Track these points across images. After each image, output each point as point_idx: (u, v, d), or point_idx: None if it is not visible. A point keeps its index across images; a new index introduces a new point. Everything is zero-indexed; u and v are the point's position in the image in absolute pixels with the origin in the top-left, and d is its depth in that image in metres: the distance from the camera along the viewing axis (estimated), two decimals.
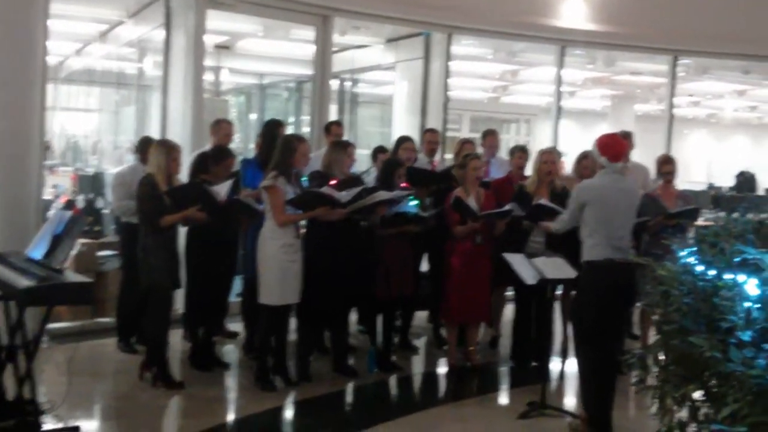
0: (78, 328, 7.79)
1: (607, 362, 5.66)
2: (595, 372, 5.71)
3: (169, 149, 6.41)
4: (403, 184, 7.03)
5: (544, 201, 6.94)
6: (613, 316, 5.71)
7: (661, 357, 3.97)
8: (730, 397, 2.96)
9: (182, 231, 6.81)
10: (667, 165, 7.91)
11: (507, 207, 6.97)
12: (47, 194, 9.27)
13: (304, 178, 6.92)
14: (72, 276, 5.11)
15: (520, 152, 8.01)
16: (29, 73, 7.18)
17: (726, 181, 20.62)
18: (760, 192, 18.22)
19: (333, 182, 6.58)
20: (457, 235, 7.07)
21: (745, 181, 18.76)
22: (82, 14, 11.72)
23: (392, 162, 7.26)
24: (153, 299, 6.36)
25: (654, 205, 7.50)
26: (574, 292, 6.58)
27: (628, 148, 8.74)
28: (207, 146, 7.56)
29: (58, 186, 11.21)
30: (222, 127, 7.58)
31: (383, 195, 6.62)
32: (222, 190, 6.39)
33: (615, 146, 5.79)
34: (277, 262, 6.30)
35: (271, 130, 7.32)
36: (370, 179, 7.46)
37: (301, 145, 6.51)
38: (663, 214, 7.42)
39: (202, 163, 6.83)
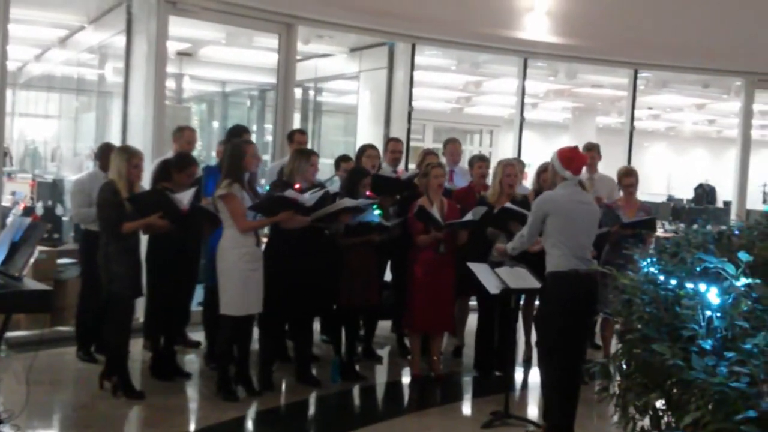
0: (37, 336, 7.66)
1: (571, 372, 5.70)
2: (558, 382, 5.73)
3: (130, 155, 6.34)
4: (368, 193, 7.03)
5: (509, 204, 6.96)
6: (578, 326, 5.75)
7: (624, 366, 4.00)
8: (692, 404, 2.98)
9: (144, 239, 6.73)
10: (628, 177, 7.99)
11: (469, 217, 6.99)
12: (5, 201, 9.13)
13: (266, 188, 6.87)
14: (31, 284, 5.05)
15: (480, 161, 8.04)
16: None
17: (685, 193, 20.93)
18: (719, 204, 18.50)
19: (297, 186, 6.55)
20: (419, 244, 7.08)
21: (705, 193, 19.07)
22: (41, 19, 11.57)
23: (357, 171, 7.25)
24: (114, 307, 6.28)
25: (610, 216, 7.60)
26: (537, 303, 6.61)
27: (590, 161, 8.85)
28: (169, 153, 7.51)
29: (16, 193, 11.06)
30: (184, 135, 7.53)
31: (348, 202, 6.61)
32: (185, 198, 6.33)
33: (577, 159, 5.82)
34: (238, 272, 6.24)
35: (235, 136, 7.26)
36: (334, 188, 7.45)
37: (248, 147, 6.46)
38: (618, 224, 7.50)
39: (164, 171, 6.76)
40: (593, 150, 8.87)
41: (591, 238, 5.85)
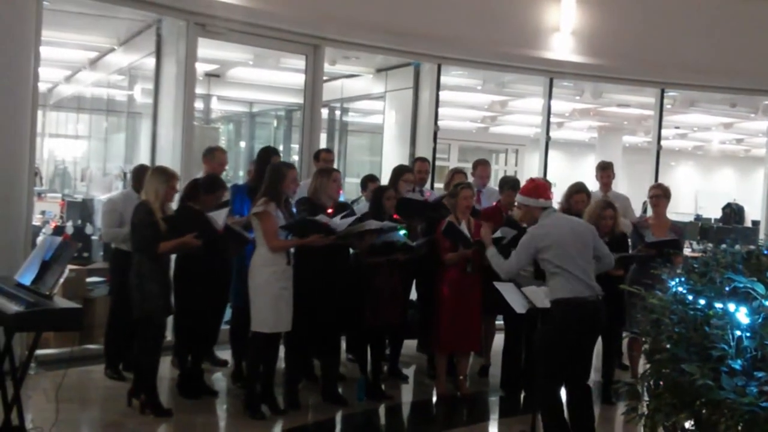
0: (66, 354, 7.72)
1: (580, 395, 5.67)
2: (559, 409, 5.69)
3: (168, 177, 6.41)
4: (394, 216, 7.03)
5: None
6: (582, 352, 5.72)
7: (652, 386, 3.98)
8: (722, 424, 2.97)
9: (172, 257, 6.77)
10: (652, 189, 7.98)
11: (498, 235, 6.97)
12: (35, 220, 9.24)
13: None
14: (60, 302, 5.09)
15: (510, 190, 7.75)
16: (20, 99, 7.18)
17: (713, 212, 20.75)
18: (748, 224, 18.31)
19: (329, 211, 6.58)
20: (447, 262, 7.07)
21: (733, 213, 18.88)
22: (72, 41, 11.74)
23: (380, 189, 7.27)
24: (146, 326, 6.31)
25: (636, 236, 7.57)
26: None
27: (605, 179, 8.79)
28: (200, 174, 7.56)
29: (46, 212, 11.18)
30: (216, 156, 7.56)
31: (373, 224, 6.62)
32: (220, 217, 6.38)
33: (540, 186, 5.90)
34: (270, 290, 6.28)
35: (266, 157, 7.30)
36: (361, 207, 7.47)
37: (290, 171, 6.53)
38: (643, 244, 7.45)
39: (192, 190, 6.80)
40: (608, 169, 8.87)
41: (589, 258, 5.79)
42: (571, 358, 5.63)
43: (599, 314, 5.67)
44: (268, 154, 7.42)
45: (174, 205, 6.80)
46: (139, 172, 7.21)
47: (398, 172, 7.88)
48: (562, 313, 5.62)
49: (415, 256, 7.08)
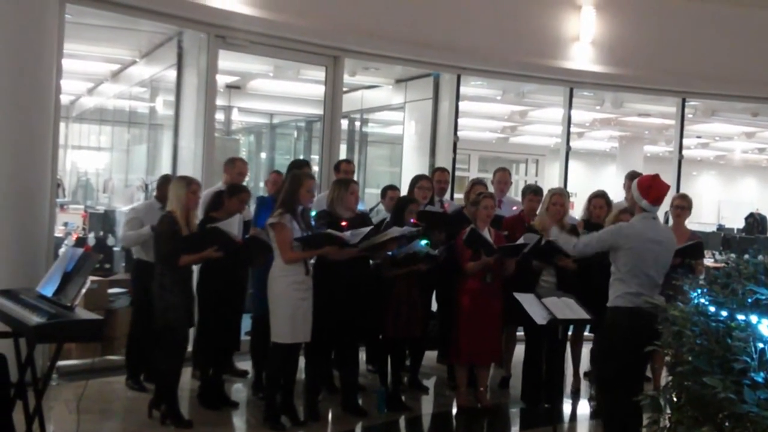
0: (87, 365, 7.75)
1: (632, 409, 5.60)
2: (620, 418, 5.62)
3: (189, 182, 6.45)
4: (413, 221, 7.02)
5: (555, 235, 6.85)
6: (638, 362, 5.63)
7: (674, 398, 3.95)
8: None
9: (195, 269, 6.80)
10: (676, 200, 7.92)
11: (521, 241, 6.94)
12: (58, 232, 9.31)
13: (312, 213, 6.91)
14: (82, 313, 5.11)
15: (531, 194, 7.83)
16: (42, 111, 7.24)
17: (736, 222, 20.62)
18: None
19: (344, 224, 6.57)
20: (468, 271, 7.03)
21: (756, 223, 18.74)
22: (94, 54, 11.85)
23: (404, 199, 7.28)
24: (168, 337, 6.33)
25: None
26: (587, 334, 6.52)
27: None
28: (219, 183, 7.60)
29: (68, 224, 11.26)
30: (236, 165, 7.60)
31: (395, 232, 6.60)
32: (232, 226, 6.38)
33: (656, 188, 5.63)
34: (288, 300, 6.28)
35: (296, 169, 7.31)
36: (379, 217, 7.47)
37: (307, 181, 6.49)
38: None
39: (216, 201, 6.82)
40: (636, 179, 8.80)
41: (661, 276, 5.65)
42: (627, 367, 5.53)
43: (655, 322, 5.57)
44: (298, 166, 7.42)
45: (199, 214, 6.81)
46: (164, 182, 7.27)
47: (414, 181, 7.97)
48: (618, 323, 5.55)
49: (435, 265, 7.07)
